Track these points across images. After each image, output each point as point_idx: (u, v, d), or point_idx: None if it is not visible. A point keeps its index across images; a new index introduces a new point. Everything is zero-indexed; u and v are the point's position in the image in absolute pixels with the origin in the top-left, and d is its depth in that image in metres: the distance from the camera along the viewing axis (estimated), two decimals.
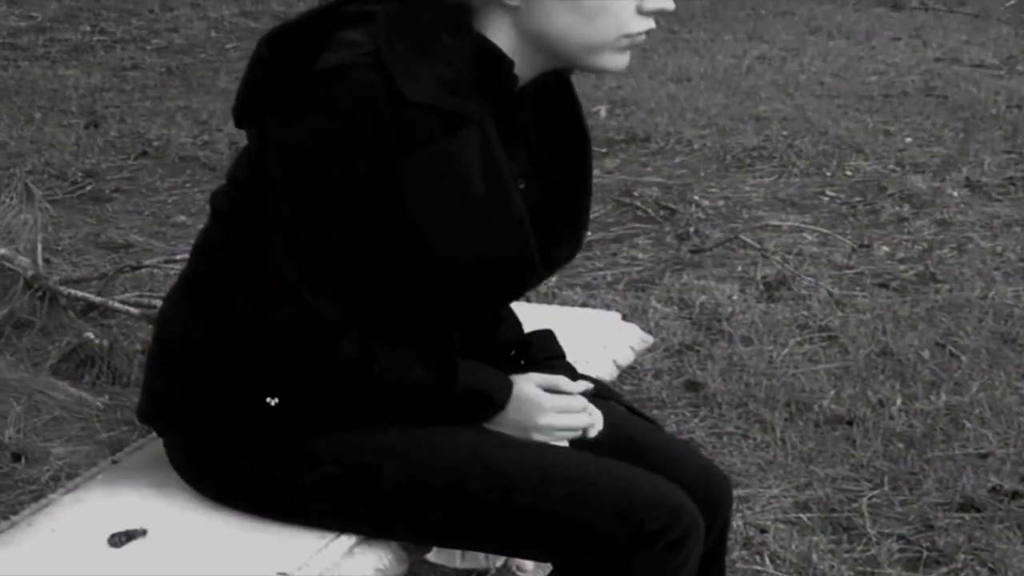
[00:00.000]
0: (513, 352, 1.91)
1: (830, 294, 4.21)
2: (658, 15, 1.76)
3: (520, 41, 1.72)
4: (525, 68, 1.74)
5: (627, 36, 1.74)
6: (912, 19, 8.47)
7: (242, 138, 1.80)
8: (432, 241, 1.68)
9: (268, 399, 1.74)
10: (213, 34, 8.07)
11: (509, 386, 1.80)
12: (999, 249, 4.62)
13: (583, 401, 1.85)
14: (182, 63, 7.33)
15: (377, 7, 1.71)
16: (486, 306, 1.87)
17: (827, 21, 8.37)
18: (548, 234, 1.79)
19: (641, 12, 1.73)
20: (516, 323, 2.00)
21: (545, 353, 1.93)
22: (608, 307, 4.03)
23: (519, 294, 1.89)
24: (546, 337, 1.96)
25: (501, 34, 1.71)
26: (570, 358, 1.99)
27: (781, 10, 8.72)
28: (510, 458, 1.75)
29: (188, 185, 5.37)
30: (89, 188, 5.29)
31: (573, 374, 1.92)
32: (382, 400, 1.74)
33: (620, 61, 1.76)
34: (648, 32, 1.76)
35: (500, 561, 2.38)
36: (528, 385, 1.81)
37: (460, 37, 1.69)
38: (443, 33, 1.68)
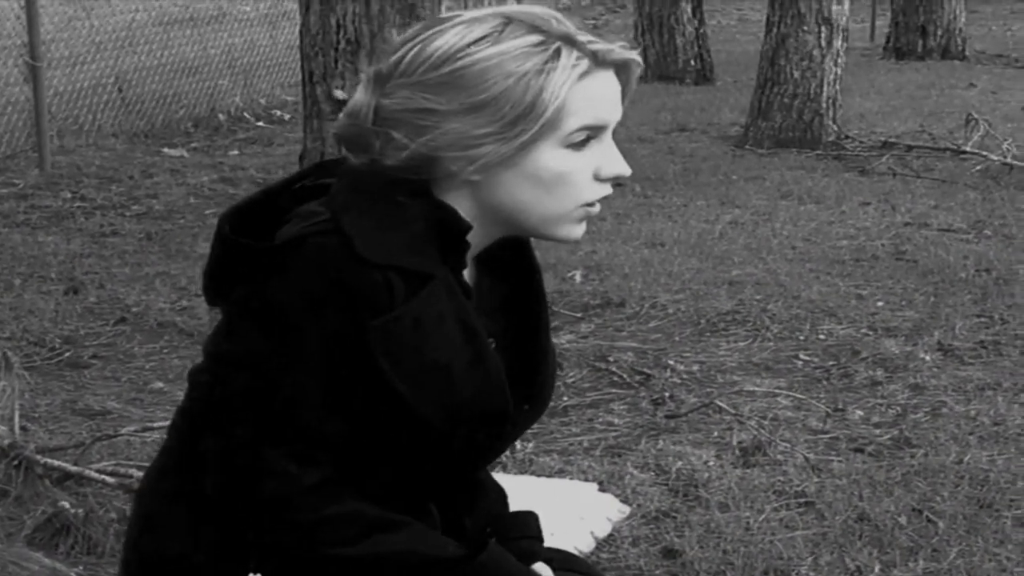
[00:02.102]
0: (488, 529, 1.91)
1: (806, 459, 4.22)
2: (615, 181, 1.79)
3: (478, 212, 1.75)
4: (481, 236, 1.77)
5: (585, 205, 1.77)
6: (881, 184, 8.61)
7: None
8: (408, 399, 1.69)
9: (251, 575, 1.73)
10: (192, 200, 8.15)
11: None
12: (973, 413, 4.66)
13: None
14: (161, 229, 7.40)
15: (330, 180, 1.75)
16: (461, 469, 1.87)
17: (797, 186, 8.51)
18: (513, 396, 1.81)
19: (598, 179, 1.77)
20: (502, 497, 1.99)
21: (519, 532, 1.92)
22: (584, 473, 4.04)
23: (495, 453, 1.89)
24: (527, 517, 1.96)
25: (458, 205, 1.74)
26: (548, 529, 1.99)
27: (752, 175, 8.87)
28: None
29: (166, 351, 5.39)
30: (67, 355, 5.30)
31: (539, 555, 1.91)
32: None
33: (577, 231, 1.79)
34: (604, 198, 1.79)
35: None
36: None
37: (417, 200, 1.72)
38: (400, 196, 1.71)
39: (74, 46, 11.29)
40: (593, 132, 1.74)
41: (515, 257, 1.88)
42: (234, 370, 1.69)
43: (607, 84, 1.75)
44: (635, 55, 1.77)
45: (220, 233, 1.73)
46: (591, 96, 1.73)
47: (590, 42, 1.73)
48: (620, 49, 1.75)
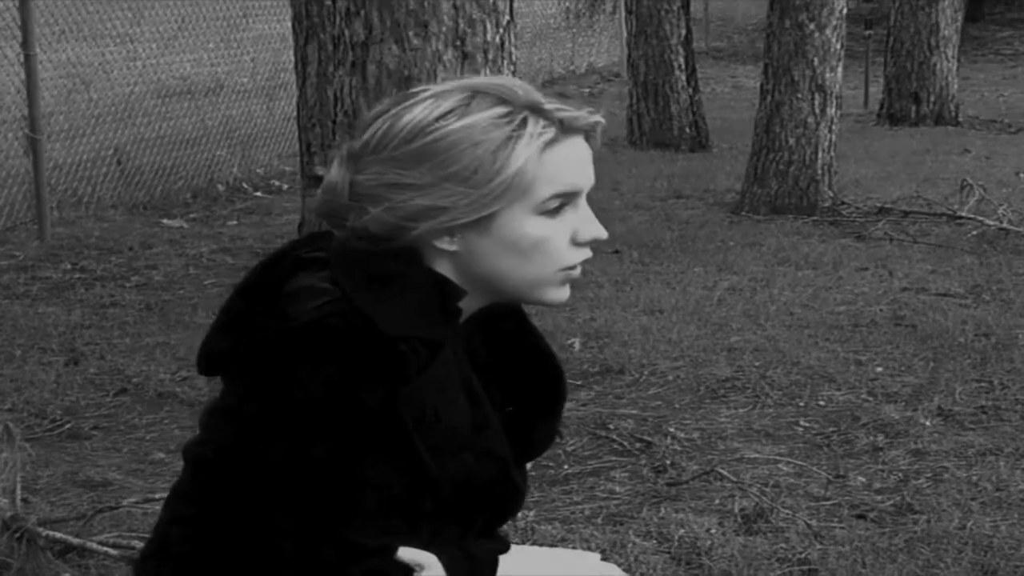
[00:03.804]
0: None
1: (808, 526, 4.22)
2: (592, 245, 1.82)
3: (462, 280, 1.78)
4: (468, 302, 1.79)
5: (565, 269, 1.80)
6: (877, 250, 8.65)
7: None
8: (427, 464, 1.71)
9: None
10: (191, 271, 8.18)
11: None
12: (975, 479, 4.66)
13: None
14: (160, 299, 7.42)
15: (322, 253, 1.78)
16: (477, 527, 1.88)
17: (794, 252, 8.55)
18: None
19: (576, 243, 1.80)
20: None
21: None
22: (586, 542, 4.04)
23: (508, 515, 1.92)
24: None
25: (443, 273, 1.78)
26: None
27: (749, 241, 8.90)
28: None
29: (166, 422, 5.40)
30: (68, 426, 5.31)
31: None
32: None
33: (561, 294, 1.82)
34: (584, 262, 1.82)
35: None
36: None
37: (413, 269, 1.75)
38: (399, 267, 1.74)
39: (73, 119, 11.36)
40: (566, 198, 1.78)
41: (514, 322, 1.92)
42: (273, 456, 1.69)
43: (575, 150, 1.78)
44: (600, 118, 1.80)
45: (235, 309, 1.75)
46: (559, 163, 1.76)
47: (557, 109, 1.77)
48: (586, 115, 1.79)
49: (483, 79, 1.82)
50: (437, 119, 1.74)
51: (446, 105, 1.75)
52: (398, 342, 1.68)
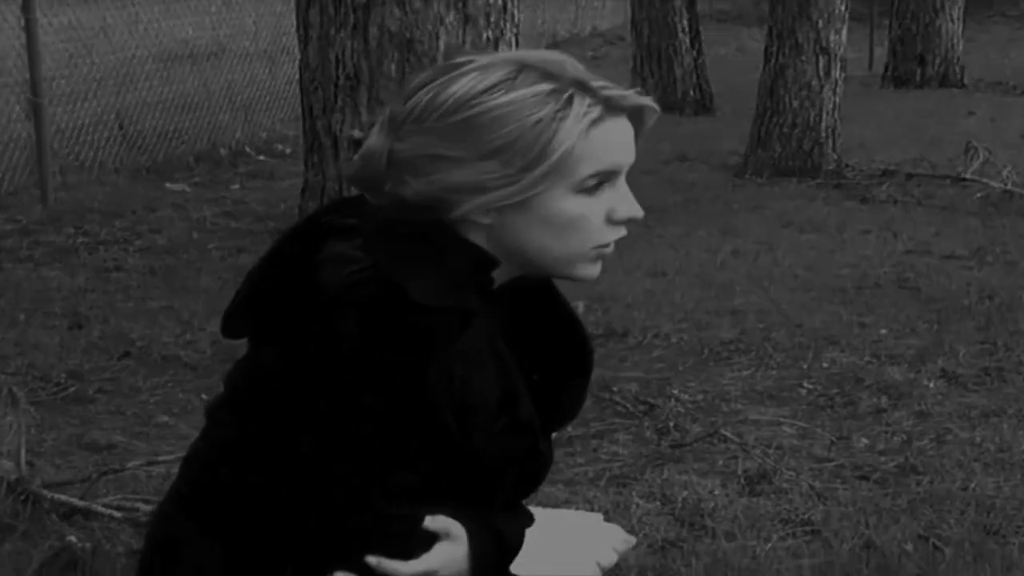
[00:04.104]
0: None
1: (811, 487, 4.23)
2: (628, 224, 1.81)
3: (494, 252, 1.76)
4: (499, 273, 1.78)
5: (598, 247, 1.79)
6: (882, 212, 8.63)
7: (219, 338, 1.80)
8: (458, 432, 1.71)
9: None
10: (195, 235, 8.17)
11: None
12: (978, 440, 4.66)
13: None
14: (164, 264, 7.41)
15: (353, 220, 1.76)
16: (499, 504, 1.87)
17: (798, 215, 8.53)
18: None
19: (611, 222, 1.78)
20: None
21: None
22: (590, 503, 4.04)
23: (534, 486, 1.90)
24: None
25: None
26: (553, 560, 1.99)
27: (753, 205, 8.89)
28: None
29: (170, 385, 5.40)
30: (72, 390, 5.31)
31: None
32: None
33: (593, 270, 1.80)
34: (619, 240, 1.81)
35: None
36: None
37: (449, 240, 1.74)
38: (434, 237, 1.73)
39: (75, 83, 11.32)
40: (605, 177, 1.76)
41: (543, 294, 1.90)
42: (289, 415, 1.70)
43: (620, 130, 1.76)
44: (649, 101, 1.78)
45: (265, 275, 1.74)
46: (603, 142, 1.74)
47: (603, 88, 1.74)
48: (634, 95, 1.77)
49: (531, 52, 1.79)
50: (482, 92, 1.71)
51: (492, 78, 1.72)
52: (429, 312, 1.67)
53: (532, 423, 1.80)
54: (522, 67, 1.74)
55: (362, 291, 1.67)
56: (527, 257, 1.78)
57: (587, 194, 1.75)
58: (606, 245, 1.79)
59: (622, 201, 1.78)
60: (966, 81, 15.10)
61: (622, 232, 1.80)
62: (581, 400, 1.97)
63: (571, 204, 1.75)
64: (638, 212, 1.79)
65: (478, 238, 1.76)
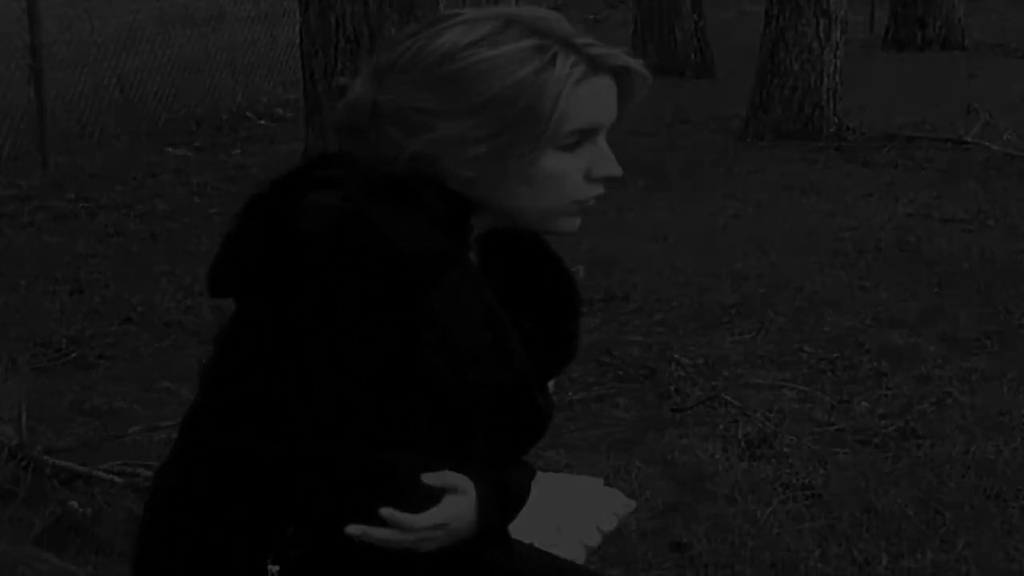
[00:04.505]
0: None
1: (812, 451, 4.23)
2: (606, 182, 1.80)
3: (474, 203, 1.77)
4: (479, 221, 1.79)
5: (578, 203, 1.79)
6: (883, 175, 8.62)
7: (225, 304, 1.80)
8: (450, 378, 1.70)
9: (270, 567, 1.74)
10: (196, 200, 8.16)
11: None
12: (978, 404, 4.66)
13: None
14: (165, 228, 7.41)
15: (336, 171, 1.75)
16: (502, 459, 1.86)
17: (799, 179, 8.52)
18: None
19: (590, 179, 1.78)
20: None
21: None
22: (591, 468, 4.05)
23: (533, 439, 1.89)
24: None
25: None
26: (554, 524, 2.01)
27: (754, 168, 8.87)
28: None
29: (172, 350, 5.40)
30: (73, 355, 5.31)
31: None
32: None
33: (571, 224, 1.81)
34: (598, 197, 1.80)
35: None
36: None
37: (428, 188, 1.73)
38: (413, 185, 1.72)
39: (76, 48, 11.28)
40: (585, 135, 1.76)
41: (532, 245, 1.90)
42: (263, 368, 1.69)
43: (603, 89, 1.76)
44: (636, 63, 1.77)
45: (244, 223, 1.73)
46: (585, 100, 1.74)
47: (588, 46, 1.74)
48: (620, 54, 1.77)
49: (518, 8, 1.79)
50: (467, 46, 1.71)
51: (478, 32, 1.72)
52: (412, 255, 1.67)
53: (528, 372, 1.79)
54: (509, 22, 1.74)
55: (342, 234, 1.66)
56: (507, 211, 1.78)
57: (567, 151, 1.76)
58: (584, 201, 1.79)
59: (601, 159, 1.79)
60: (967, 43, 15.04)
61: (600, 190, 1.81)
62: (573, 343, 1.96)
63: (551, 160, 1.75)
64: (616, 170, 1.80)
65: (457, 188, 1.75)
